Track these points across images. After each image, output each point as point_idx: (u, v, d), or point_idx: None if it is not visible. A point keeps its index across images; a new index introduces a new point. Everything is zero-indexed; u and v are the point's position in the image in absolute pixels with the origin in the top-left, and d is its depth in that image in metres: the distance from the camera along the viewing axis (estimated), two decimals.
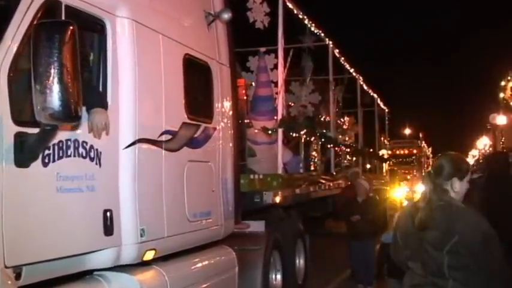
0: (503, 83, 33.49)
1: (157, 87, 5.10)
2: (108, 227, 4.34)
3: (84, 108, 4.04)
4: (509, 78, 32.75)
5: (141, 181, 4.71)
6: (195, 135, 5.72)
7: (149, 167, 4.90)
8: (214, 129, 6.15)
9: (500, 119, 32.04)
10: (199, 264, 5.88)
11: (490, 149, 44.02)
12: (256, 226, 7.56)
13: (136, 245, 4.64)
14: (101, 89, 4.42)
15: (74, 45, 3.41)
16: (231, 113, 6.61)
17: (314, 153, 12.48)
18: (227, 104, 6.52)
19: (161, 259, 5.20)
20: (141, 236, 4.67)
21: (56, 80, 3.32)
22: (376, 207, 9.48)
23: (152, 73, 5.04)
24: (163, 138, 5.11)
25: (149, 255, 4.84)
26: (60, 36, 3.34)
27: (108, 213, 4.35)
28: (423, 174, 3.35)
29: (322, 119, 14.07)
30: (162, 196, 5.06)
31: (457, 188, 3.60)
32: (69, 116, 3.42)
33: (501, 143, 34.32)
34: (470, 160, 61.28)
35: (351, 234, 9.48)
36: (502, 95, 33.71)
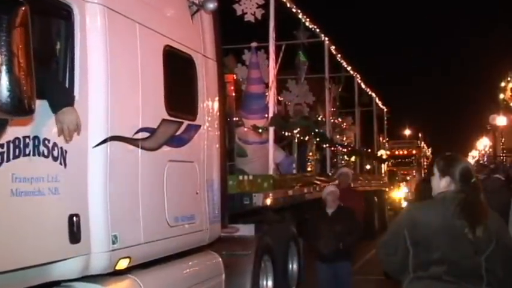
0: (503, 84, 33.60)
1: (133, 80, 4.69)
2: (75, 233, 3.93)
3: (46, 102, 3.67)
4: (509, 79, 32.86)
5: (113, 183, 4.30)
6: (177, 133, 5.31)
7: (123, 167, 4.49)
8: (199, 127, 5.75)
9: (500, 120, 32.15)
10: (182, 272, 5.49)
11: (490, 150, 43.76)
12: (246, 230, 7.17)
13: (108, 253, 4.23)
14: (67, 81, 4.01)
15: (25, 29, 3.00)
16: (217, 110, 6.21)
17: (310, 153, 12.07)
18: (213, 101, 6.12)
19: (139, 267, 4.81)
20: (113, 243, 4.26)
21: (3, 68, 2.91)
22: (352, 220, 7.28)
23: (127, 65, 4.63)
24: (140, 136, 4.70)
25: (123, 264, 4.43)
26: (9, 17, 2.92)
27: (74, 219, 3.93)
28: (452, 177, 3.43)
29: (320, 118, 13.65)
30: (138, 199, 4.66)
31: None
32: (19, 109, 3.01)
33: (501, 144, 34.22)
34: (471, 161, 60.94)
35: (318, 256, 7.35)
36: (502, 96, 33.72)
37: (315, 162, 11.92)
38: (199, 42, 5.92)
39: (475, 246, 3.31)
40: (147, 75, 4.87)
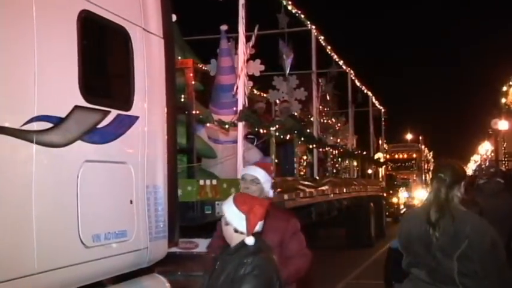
0: (505, 89, 33.71)
1: (23, 52, 3.47)
2: None
3: None
4: (511, 83, 33.19)
5: None
6: (99, 126, 4.09)
7: (3, 168, 3.28)
8: (135, 118, 4.52)
9: (502, 124, 32.22)
10: None
11: (492, 154, 43.04)
12: (206, 245, 5.95)
13: None
14: None
15: None
16: (164, 99, 4.98)
17: (305, 155, 10.90)
18: (158, 87, 4.90)
19: None
20: None
21: None
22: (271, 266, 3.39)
23: (12, 31, 3.41)
24: (35, 127, 3.48)
25: None
26: None
27: None
28: (429, 179, 3.91)
29: (312, 118, 12.44)
30: (30, 213, 3.43)
31: (462, 192, 3.59)
32: None
33: (503, 148, 33.78)
34: (472, 165, 60.10)
35: None
36: (503, 100, 33.80)
37: (304, 165, 10.74)
38: (138, 13, 4.69)
39: (442, 248, 3.41)
40: (50, 47, 3.65)
